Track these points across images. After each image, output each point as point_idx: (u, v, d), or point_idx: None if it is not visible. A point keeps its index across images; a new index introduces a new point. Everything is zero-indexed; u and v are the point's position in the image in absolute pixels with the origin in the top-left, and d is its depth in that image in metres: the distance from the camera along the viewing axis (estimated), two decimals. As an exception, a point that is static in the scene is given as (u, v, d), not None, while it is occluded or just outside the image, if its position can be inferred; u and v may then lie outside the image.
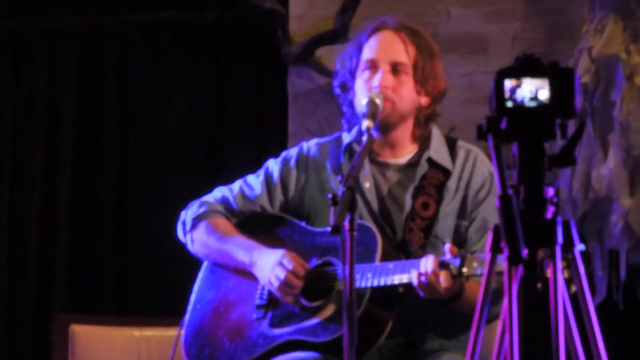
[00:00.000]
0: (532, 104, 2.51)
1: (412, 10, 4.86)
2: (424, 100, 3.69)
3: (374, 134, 3.47)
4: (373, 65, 3.66)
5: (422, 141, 3.75)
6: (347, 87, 3.74)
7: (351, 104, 3.73)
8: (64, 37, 5.45)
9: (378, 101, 3.57)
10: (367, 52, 3.68)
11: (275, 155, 3.91)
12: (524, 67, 2.53)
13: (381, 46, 3.69)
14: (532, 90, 2.52)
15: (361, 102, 3.58)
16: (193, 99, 5.28)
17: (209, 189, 3.91)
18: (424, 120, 3.71)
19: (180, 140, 5.27)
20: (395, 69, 3.65)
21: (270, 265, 3.61)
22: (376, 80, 3.62)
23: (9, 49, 5.50)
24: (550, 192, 2.50)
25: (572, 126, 2.59)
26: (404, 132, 3.73)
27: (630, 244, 4.43)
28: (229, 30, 5.24)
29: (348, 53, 3.76)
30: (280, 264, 3.58)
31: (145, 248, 5.05)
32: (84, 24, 5.48)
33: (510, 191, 2.42)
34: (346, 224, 3.06)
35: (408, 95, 3.66)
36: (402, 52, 3.67)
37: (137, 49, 5.37)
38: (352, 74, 3.71)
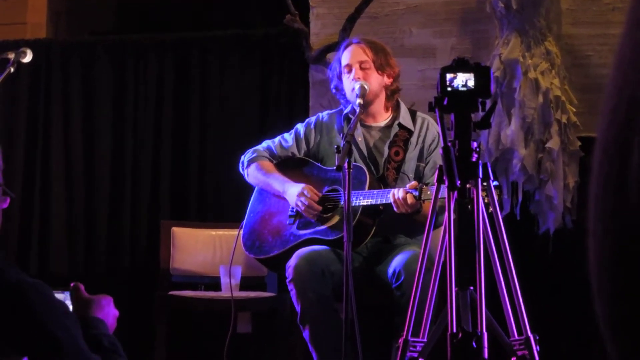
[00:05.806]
0: (464, 89, 2.52)
1: (387, 30, 4.84)
2: (387, 81, 3.72)
3: (362, 107, 3.51)
4: (349, 68, 3.68)
5: (394, 111, 3.77)
6: (338, 88, 3.77)
7: (344, 95, 3.75)
8: (166, 47, 5.38)
9: (365, 86, 3.60)
10: (344, 61, 3.72)
11: (302, 121, 3.93)
12: (458, 66, 2.53)
13: (350, 55, 3.71)
14: (463, 80, 2.52)
15: (355, 87, 3.59)
16: (249, 86, 5.24)
17: (259, 142, 3.93)
18: (390, 94, 3.75)
19: (242, 113, 5.23)
20: (362, 66, 3.67)
21: (295, 194, 3.62)
22: (352, 75, 3.65)
23: (132, 57, 5.42)
24: (474, 145, 2.50)
25: (488, 103, 2.59)
26: (379, 105, 3.75)
27: (524, 178, 4.43)
28: (271, 41, 5.20)
29: (333, 66, 3.80)
30: (302, 193, 3.60)
31: (218, 176, 5.05)
32: (178, 38, 5.42)
33: (449, 144, 2.42)
34: (346, 164, 3.09)
35: (374, 80, 3.67)
36: (362, 54, 3.69)
37: (212, 56, 5.31)
38: (339, 77, 3.74)
